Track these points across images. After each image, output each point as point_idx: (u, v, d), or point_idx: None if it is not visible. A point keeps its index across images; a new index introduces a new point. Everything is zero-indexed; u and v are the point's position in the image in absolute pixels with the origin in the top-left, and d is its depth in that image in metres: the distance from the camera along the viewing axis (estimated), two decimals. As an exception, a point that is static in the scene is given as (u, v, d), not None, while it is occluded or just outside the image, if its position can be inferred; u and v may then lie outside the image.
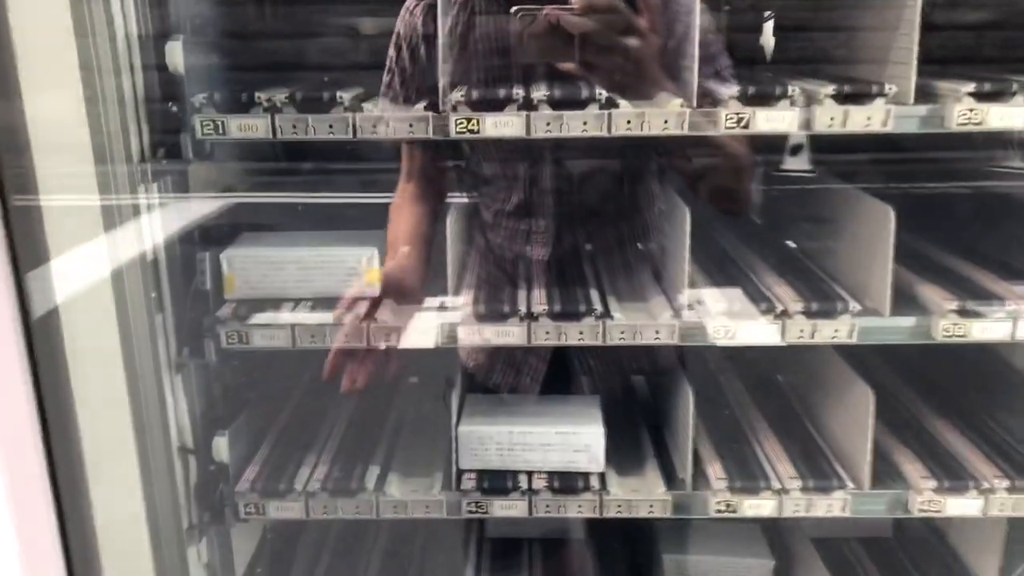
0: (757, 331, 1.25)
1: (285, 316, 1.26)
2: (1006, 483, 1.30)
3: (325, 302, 1.28)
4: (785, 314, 1.24)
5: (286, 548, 1.75)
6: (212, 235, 1.37)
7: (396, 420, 1.57)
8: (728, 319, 1.25)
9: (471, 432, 1.34)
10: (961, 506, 1.30)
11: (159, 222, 1.26)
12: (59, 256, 1.02)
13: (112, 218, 1.14)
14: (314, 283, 1.28)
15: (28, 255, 0.94)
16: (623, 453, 1.43)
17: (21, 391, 0.88)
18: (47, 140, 0.96)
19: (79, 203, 1.07)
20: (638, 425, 1.53)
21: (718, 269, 1.45)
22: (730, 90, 1.16)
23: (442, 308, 1.28)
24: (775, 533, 1.76)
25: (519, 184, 1.38)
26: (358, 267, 1.28)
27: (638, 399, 1.63)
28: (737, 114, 1.15)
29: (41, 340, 0.94)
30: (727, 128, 1.16)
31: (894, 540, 1.84)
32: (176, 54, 1.18)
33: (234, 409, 1.45)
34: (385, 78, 1.33)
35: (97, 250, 1.10)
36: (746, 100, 1.16)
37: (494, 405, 1.42)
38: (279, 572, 1.72)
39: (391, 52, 1.32)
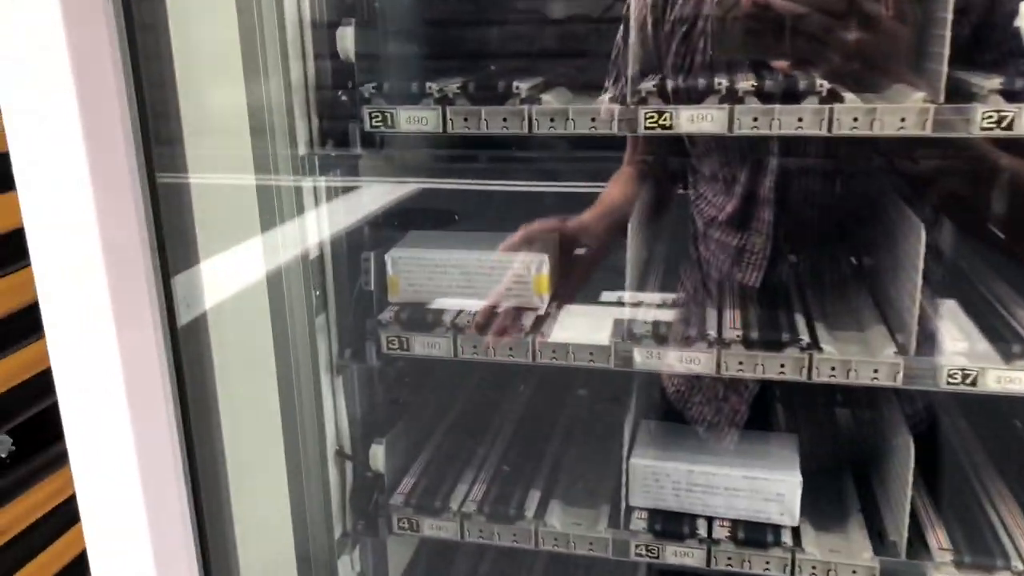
0: (1006, 377, 1.01)
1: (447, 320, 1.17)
2: None
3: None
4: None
5: (442, 563, 1.68)
6: (380, 232, 1.30)
7: (563, 438, 1.44)
8: (969, 361, 1.02)
9: (645, 467, 1.19)
10: None
11: (325, 216, 1.21)
12: (219, 252, 0.98)
13: (275, 210, 1.09)
14: (479, 288, 1.18)
15: (184, 252, 0.89)
16: (822, 503, 1.23)
17: (160, 390, 0.83)
18: (203, 125, 0.91)
19: (238, 192, 1.02)
20: (842, 470, 1.31)
21: (956, 295, 1.20)
22: (989, 81, 0.93)
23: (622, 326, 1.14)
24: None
25: (737, 189, 1.20)
26: (526, 275, 1.16)
27: (842, 435, 1.41)
28: (998, 112, 0.92)
29: (190, 341, 0.89)
30: (984, 129, 0.93)
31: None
32: (347, 40, 1.11)
33: (394, 416, 1.39)
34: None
35: (257, 245, 1.05)
36: (1010, 95, 0.93)
37: (674, 436, 1.26)
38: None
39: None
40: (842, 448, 1.37)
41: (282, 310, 1.10)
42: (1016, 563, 1.07)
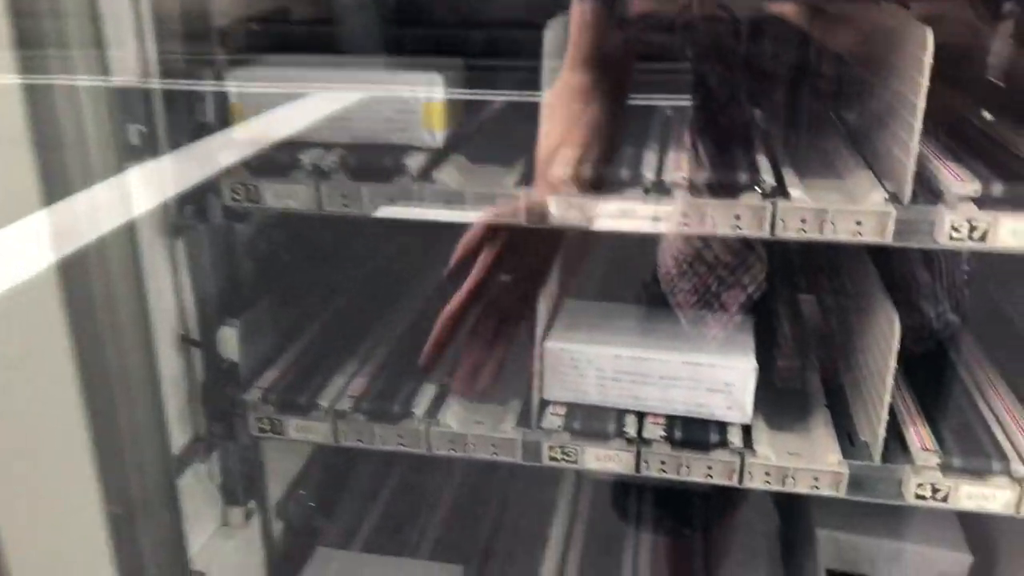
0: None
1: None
2: None
3: (364, 148, 0.91)
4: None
5: (336, 475, 1.45)
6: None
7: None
8: (978, 210, 0.78)
9: (562, 351, 0.95)
10: None
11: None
12: None
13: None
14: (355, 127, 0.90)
15: None
16: (780, 397, 1.00)
17: None
18: None
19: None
20: (806, 356, 1.08)
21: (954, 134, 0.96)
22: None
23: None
24: (972, 518, 1.30)
25: None
26: (413, 102, 0.88)
27: (808, 323, 1.18)
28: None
29: None
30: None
31: None
32: None
33: (255, 293, 1.12)
34: None
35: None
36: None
37: (602, 317, 1.02)
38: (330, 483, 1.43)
39: None
40: (810, 335, 1.14)
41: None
42: (1017, 466, 0.86)
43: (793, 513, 1.32)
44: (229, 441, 1.08)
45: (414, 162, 0.88)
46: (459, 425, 0.97)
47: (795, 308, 1.14)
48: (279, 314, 1.13)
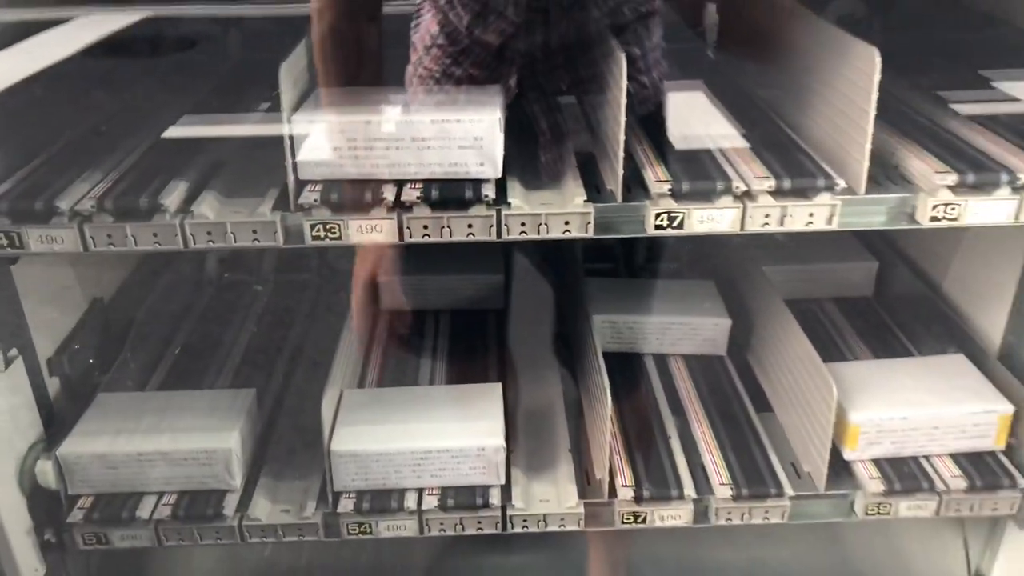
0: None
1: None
2: (1051, 174, 0.95)
3: None
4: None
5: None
6: None
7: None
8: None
9: (311, 123, 0.94)
10: (986, 210, 0.96)
11: None
12: None
13: None
14: None
15: None
16: (535, 169, 1.05)
17: None
18: None
19: None
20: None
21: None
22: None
23: None
24: (735, 294, 1.44)
25: None
26: None
27: (562, 117, 1.23)
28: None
29: None
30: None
31: (875, 300, 1.54)
32: None
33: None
34: None
35: None
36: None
37: (353, 97, 1.02)
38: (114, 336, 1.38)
39: None
40: (562, 124, 1.19)
41: None
42: (738, 185, 0.95)
43: (572, 304, 1.41)
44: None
45: None
46: (215, 214, 0.95)
47: (551, 105, 1.19)
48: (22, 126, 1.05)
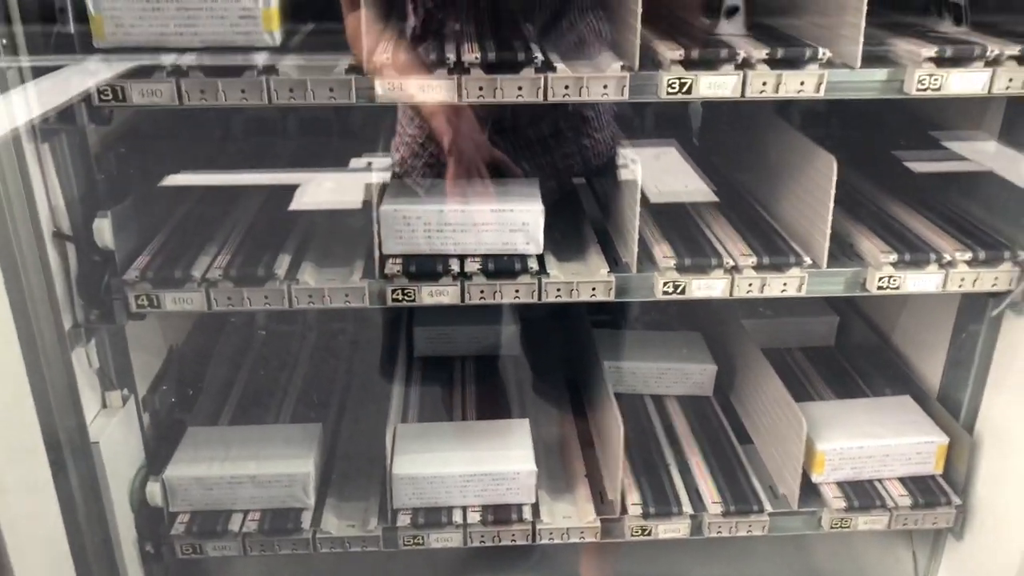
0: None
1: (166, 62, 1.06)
2: (967, 255, 1.23)
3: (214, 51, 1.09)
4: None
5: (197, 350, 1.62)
6: None
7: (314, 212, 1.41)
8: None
9: (395, 212, 1.19)
10: (920, 281, 1.23)
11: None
12: None
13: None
14: (199, 28, 1.08)
15: None
16: (564, 241, 1.31)
17: None
18: None
19: None
20: (580, 219, 1.40)
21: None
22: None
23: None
24: (719, 343, 1.70)
25: None
26: (254, 7, 1.07)
27: (580, 201, 1.50)
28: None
29: None
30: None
31: (836, 349, 1.81)
32: None
33: (120, 191, 1.26)
34: None
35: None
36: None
37: (423, 189, 1.27)
38: (189, 377, 1.59)
39: None
40: (580, 207, 1.46)
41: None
42: (727, 260, 1.22)
43: (580, 351, 1.65)
44: (107, 324, 1.22)
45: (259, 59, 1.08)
46: (315, 281, 1.19)
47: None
48: (146, 207, 1.29)
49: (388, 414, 1.39)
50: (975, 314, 1.37)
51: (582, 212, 1.42)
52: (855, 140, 1.62)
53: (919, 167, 1.54)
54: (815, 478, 1.40)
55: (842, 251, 1.27)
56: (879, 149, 1.64)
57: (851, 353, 1.77)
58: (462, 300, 1.20)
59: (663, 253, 1.24)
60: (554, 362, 1.78)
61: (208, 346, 1.73)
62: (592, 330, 1.68)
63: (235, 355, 1.75)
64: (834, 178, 1.17)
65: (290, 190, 1.44)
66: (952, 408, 1.44)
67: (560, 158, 1.45)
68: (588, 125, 1.43)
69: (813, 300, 1.84)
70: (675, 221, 1.36)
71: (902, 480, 1.41)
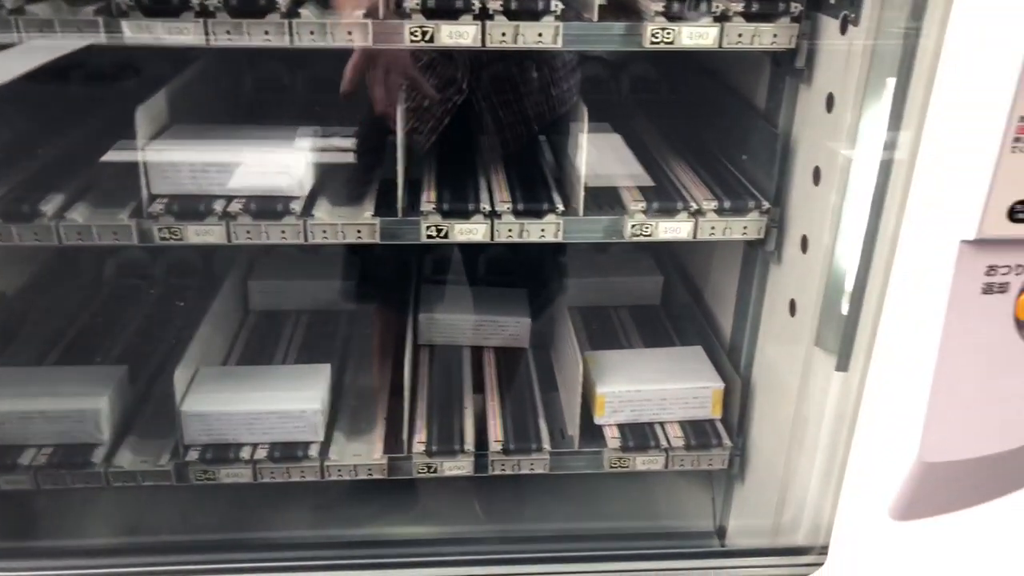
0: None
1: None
2: (714, 204, 1.29)
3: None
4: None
5: None
6: None
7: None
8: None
9: (160, 152, 1.23)
10: (673, 229, 1.29)
11: None
12: None
13: None
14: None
15: None
16: (336, 180, 1.36)
17: None
18: None
19: None
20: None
21: None
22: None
23: None
24: (546, 301, 1.76)
25: None
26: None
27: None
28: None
29: None
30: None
31: (660, 307, 1.87)
32: None
33: None
34: None
35: None
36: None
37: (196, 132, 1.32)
38: None
39: None
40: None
41: None
42: (485, 206, 1.27)
43: (408, 306, 1.71)
44: None
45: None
46: (84, 219, 1.24)
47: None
48: None
49: (184, 356, 1.43)
50: (748, 266, 1.44)
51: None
52: (672, 100, 1.68)
53: (716, 124, 1.60)
54: (597, 420, 1.47)
55: (607, 202, 1.33)
56: (691, 108, 1.71)
57: (672, 310, 1.83)
58: (228, 240, 1.25)
59: (428, 199, 1.29)
60: (385, 315, 1.83)
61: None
62: (422, 286, 1.74)
63: (57, 299, 1.79)
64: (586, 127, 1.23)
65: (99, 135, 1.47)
66: (735, 357, 1.50)
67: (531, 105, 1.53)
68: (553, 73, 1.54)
69: (641, 261, 1.91)
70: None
71: (681, 424, 1.48)
